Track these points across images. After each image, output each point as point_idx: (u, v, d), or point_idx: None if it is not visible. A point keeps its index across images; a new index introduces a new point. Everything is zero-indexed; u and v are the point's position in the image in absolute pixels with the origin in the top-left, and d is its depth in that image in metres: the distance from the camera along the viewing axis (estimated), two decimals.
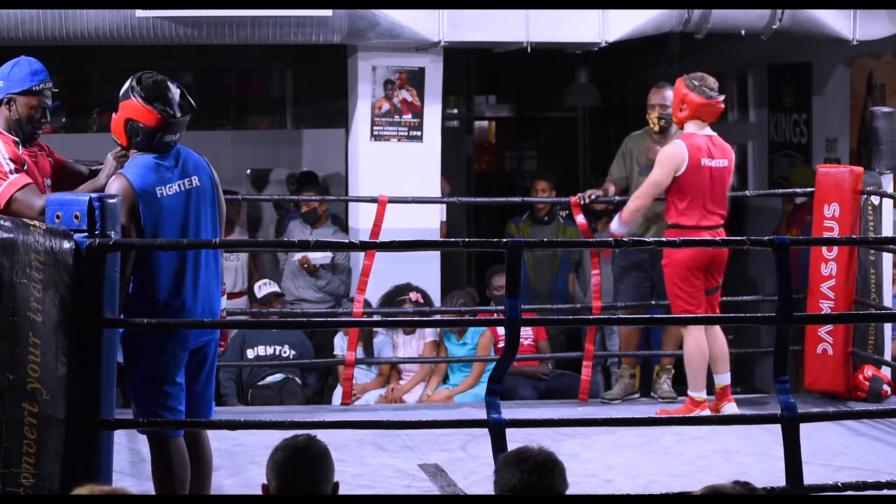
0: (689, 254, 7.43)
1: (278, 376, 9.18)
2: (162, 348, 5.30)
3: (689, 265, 7.46)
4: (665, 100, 8.17)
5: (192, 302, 5.37)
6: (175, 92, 5.38)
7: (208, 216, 5.46)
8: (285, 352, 9.23)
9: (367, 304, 8.40)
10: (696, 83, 7.53)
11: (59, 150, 5.96)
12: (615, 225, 7.70)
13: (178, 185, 5.37)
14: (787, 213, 10.64)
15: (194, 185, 5.41)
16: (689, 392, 7.60)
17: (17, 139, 5.57)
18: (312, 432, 3.92)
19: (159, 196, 5.30)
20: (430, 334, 8.98)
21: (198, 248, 5.40)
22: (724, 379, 7.61)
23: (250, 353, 9.18)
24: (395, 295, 8.96)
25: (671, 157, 7.52)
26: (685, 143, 7.52)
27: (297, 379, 9.23)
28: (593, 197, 8.35)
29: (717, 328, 7.62)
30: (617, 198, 8.36)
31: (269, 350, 9.22)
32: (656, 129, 8.26)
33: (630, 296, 8.40)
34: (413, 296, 8.85)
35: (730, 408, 7.55)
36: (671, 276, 7.54)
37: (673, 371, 8.44)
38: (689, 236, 7.41)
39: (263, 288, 9.36)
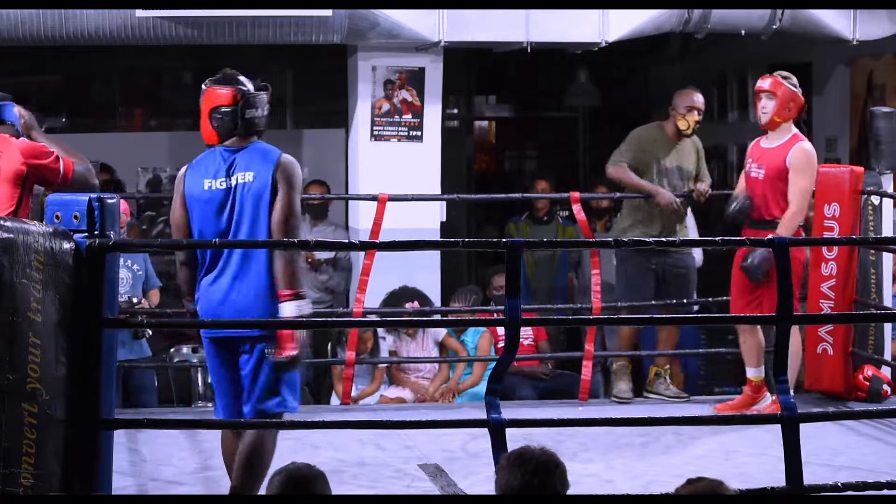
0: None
1: None
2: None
3: None
4: (702, 104, 8.28)
5: (209, 290, 5.58)
6: (245, 78, 5.77)
7: (249, 214, 5.53)
8: None
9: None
10: (795, 83, 7.61)
11: None
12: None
13: (225, 180, 5.55)
14: None
15: (244, 181, 5.54)
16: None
17: None
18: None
19: (205, 188, 5.58)
20: (440, 333, 8.96)
21: (198, 248, 5.48)
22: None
23: None
24: (392, 302, 8.91)
25: (814, 161, 7.60)
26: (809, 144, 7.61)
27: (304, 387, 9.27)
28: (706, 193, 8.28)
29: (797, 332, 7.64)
30: (618, 194, 8.33)
31: None
32: (690, 132, 8.29)
33: (629, 284, 8.33)
34: (409, 307, 8.83)
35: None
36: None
37: (670, 370, 8.44)
38: (799, 233, 7.47)
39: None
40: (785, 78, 7.62)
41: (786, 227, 7.44)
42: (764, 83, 7.62)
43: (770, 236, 7.23)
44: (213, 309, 5.58)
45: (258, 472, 5.51)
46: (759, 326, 7.69)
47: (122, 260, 8.29)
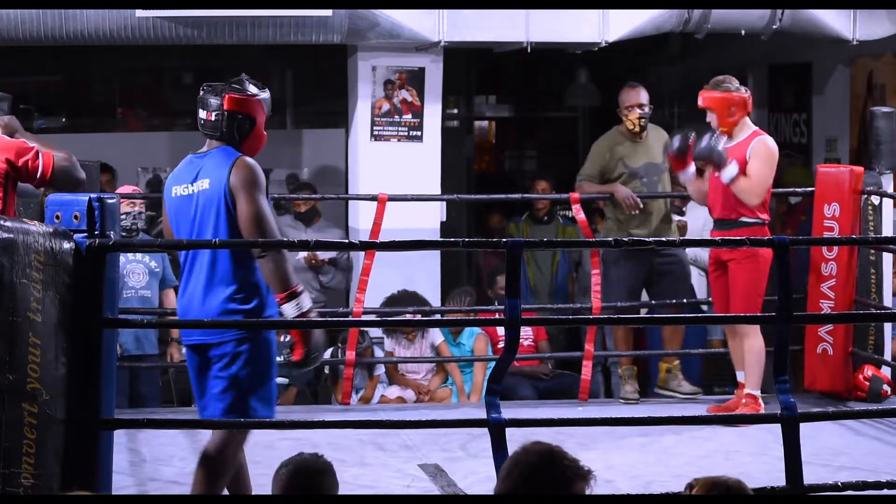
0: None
1: (282, 380, 9.20)
2: None
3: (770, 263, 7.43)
4: (644, 100, 8.19)
5: (181, 300, 5.50)
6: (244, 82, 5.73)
7: (209, 223, 5.40)
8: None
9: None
10: (730, 85, 7.58)
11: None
12: (733, 171, 7.47)
13: (188, 187, 5.43)
14: (780, 213, 10.63)
15: (202, 188, 5.40)
16: (750, 390, 7.57)
17: None
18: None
19: (172, 195, 5.49)
20: (438, 337, 8.95)
21: (197, 249, 5.45)
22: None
23: None
24: (391, 307, 8.89)
25: (774, 153, 7.59)
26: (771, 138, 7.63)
27: (304, 387, 9.27)
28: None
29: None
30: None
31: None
32: (637, 129, 8.21)
33: (614, 288, 8.31)
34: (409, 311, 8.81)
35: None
36: (753, 272, 7.49)
37: (680, 366, 8.42)
38: (765, 233, 7.44)
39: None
40: (716, 85, 7.60)
41: (739, 189, 7.44)
42: (700, 100, 7.64)
43: (769, 236, 7.29)
44: (186, 315, 5.47)
45: (219, 476, 5.37)
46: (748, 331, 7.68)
47: (139, 254, 8.39)
